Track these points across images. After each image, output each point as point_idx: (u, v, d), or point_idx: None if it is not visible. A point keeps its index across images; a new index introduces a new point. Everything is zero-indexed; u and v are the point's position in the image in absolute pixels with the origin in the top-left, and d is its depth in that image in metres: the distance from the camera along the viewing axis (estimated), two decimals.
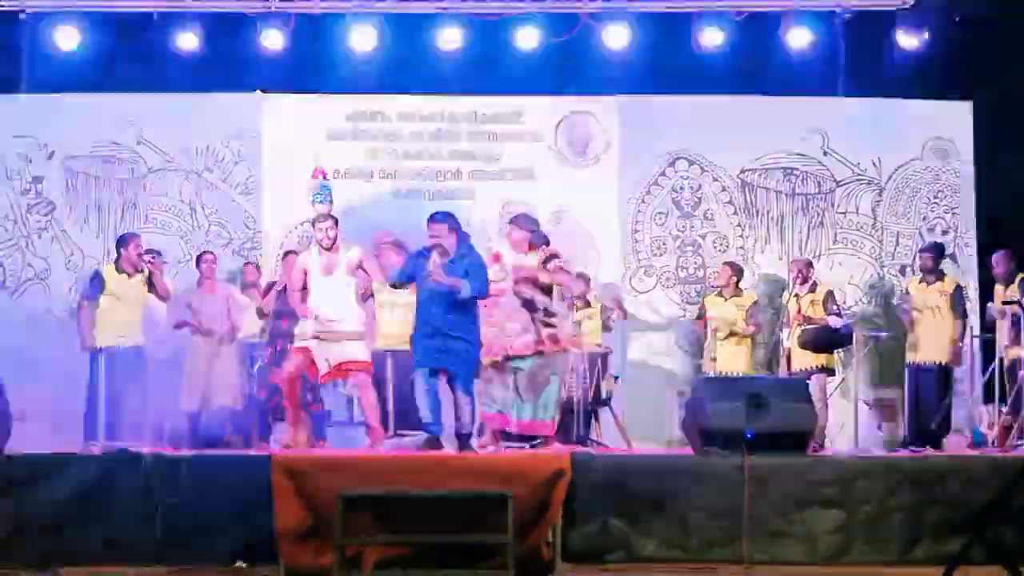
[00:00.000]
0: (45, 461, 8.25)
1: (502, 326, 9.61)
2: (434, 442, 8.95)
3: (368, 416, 9.56)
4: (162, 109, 12.07)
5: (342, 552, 7.46)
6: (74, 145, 12.07)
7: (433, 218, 9.15)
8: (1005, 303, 10.69)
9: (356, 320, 9.51)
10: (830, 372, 11.20)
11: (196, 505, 7.86)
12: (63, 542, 7.82)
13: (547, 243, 9.94)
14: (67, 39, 11.89)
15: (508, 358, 9.60)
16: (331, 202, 9.60)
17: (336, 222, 9.46)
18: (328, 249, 9.38)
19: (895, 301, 12.02)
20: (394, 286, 9.50)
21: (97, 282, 10.62)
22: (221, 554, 7.78)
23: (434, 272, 8.86)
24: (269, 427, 10.62)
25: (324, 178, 9.84)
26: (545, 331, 9.70)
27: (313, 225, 9.53)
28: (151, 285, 10.60)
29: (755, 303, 11.57)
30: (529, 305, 9.70)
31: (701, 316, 11.53)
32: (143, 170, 12.09)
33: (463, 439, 9.09)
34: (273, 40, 11.90)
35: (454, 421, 9.10)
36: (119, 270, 10.60)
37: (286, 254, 10.88)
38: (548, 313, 9.78)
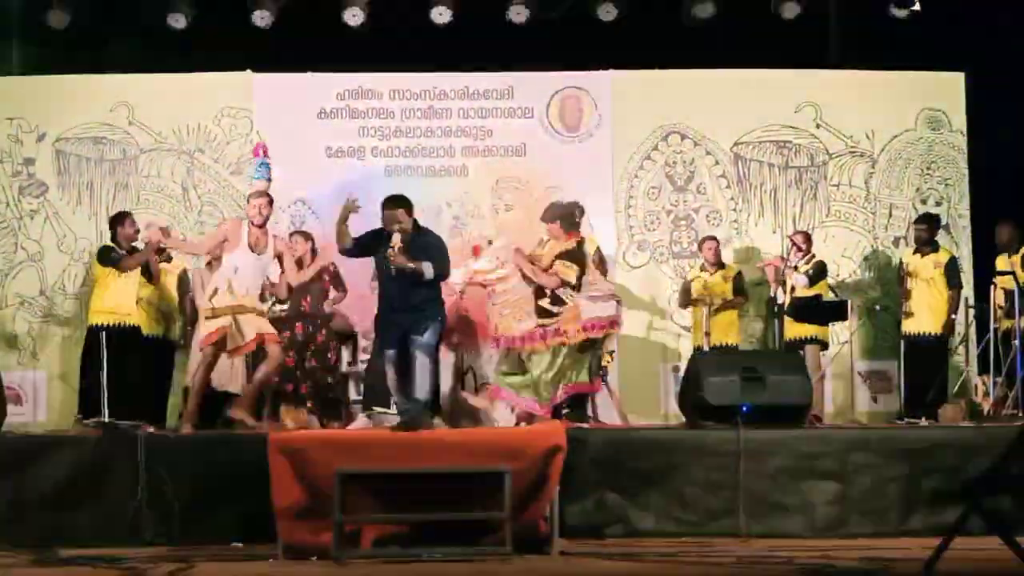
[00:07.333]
0: (41, 441, 8.26)
1: (507, 312, 9.79)
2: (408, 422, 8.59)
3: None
4: (153, 89, 12.01)
5: (340, 529, 7.47)
6: (65, 126, 12.00)
7: (392, 202, 8.88)
8: (999, 273, 10.74)
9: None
10: (823, 344, 11.21)
11: (193, 484, 7.87)
12: (59, 522, 7.83)
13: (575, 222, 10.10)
14: (57, 19, 11.83)
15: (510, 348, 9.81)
16: (269, 179, 9.51)
17: (271, 201, 9.41)
18: (259, 227, 9.31)
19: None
20: (344, 252, 9.15)
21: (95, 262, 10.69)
22: (218, 533, 7.79)
23: (397, 257, 8.67)
24: (276, 410, 10.61)
25: (265, 155, 9.73)
26: (546, 321, 9.79)
27: (248, 200, 9.50)
28: (145, 265, 10.60)
29: (739, 274, 11.56)
30: (538, 293, 9.86)
31: (688, 294, 11.49)
32: (134, 151, 12.04)
33: (419, 408, 8.64)
34: (264, 18, 11.85)
35: (416, 390, 8.68)
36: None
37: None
38: (555, 302, 9.84)
